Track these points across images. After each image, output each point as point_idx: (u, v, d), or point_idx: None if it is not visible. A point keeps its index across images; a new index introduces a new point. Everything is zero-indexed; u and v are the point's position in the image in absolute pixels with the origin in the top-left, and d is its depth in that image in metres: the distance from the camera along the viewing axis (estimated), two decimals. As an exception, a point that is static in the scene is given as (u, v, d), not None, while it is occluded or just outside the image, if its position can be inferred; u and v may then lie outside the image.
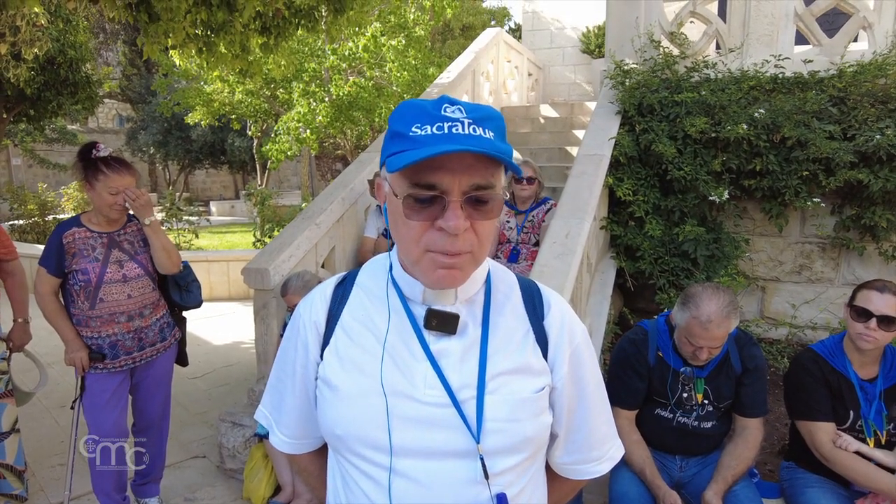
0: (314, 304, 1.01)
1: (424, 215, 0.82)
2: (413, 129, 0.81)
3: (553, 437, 1.00)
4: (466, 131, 0.79)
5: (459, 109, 0.82)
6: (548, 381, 0.95)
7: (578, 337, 0.99)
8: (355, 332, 0.96)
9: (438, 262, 0.84)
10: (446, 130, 0.79)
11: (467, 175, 0.81)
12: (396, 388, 0.90)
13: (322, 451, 1.09)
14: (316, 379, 0.98)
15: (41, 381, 2.97)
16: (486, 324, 0.94)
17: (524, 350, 0.94)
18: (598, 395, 1.02)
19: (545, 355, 0.96)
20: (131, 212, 2.70)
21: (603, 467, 1.04)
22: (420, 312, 0.93)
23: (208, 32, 3.85)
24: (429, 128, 0.80)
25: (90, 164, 2.44)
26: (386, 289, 0.97)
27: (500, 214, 0.87)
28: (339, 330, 0.97)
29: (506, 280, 1.01)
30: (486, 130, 0.81)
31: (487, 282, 0.98)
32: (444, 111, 0.81)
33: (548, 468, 1.05)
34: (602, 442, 1.03)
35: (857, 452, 2.06)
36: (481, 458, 0.87)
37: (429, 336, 0.92)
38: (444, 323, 0.91)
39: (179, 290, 2.80)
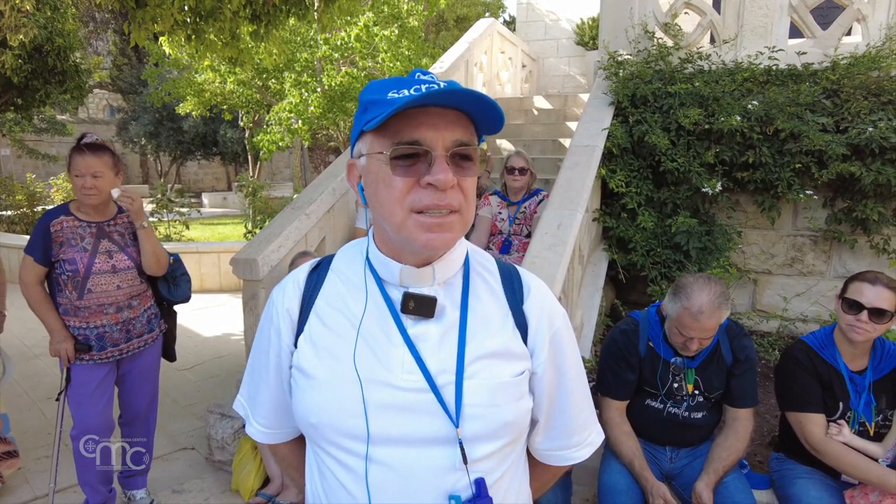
0: (287, 291, 0.99)
1: (410, 172, 0.81)
2: (390, 94, 0.81)
3: (533, 423, 0.99)
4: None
5: (431, 77, 0.83)
6: (527, 365, 0.93)
7: (559, 321, 0.97)
8: (330, 318, 0.93)
9: (426, 224, 0.82)
10: (423, 90, 0.80)
11: (450, 130, 0.81)
12: (373, 374, 0.87)
13: (302, 440, 1.07)
14: (290, 368, 0.96)
15: (6, 375, 2.92)
16: (465, 307, 0.92)
17: (503, 334, 0.92)
18: (578, 381, 1.00)
19: (525, 339, 0.94)
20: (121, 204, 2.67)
21: (583, 453, 1.03)
22: (397, 296, 0.90)
23: (197, 19, 3.78)
24: (405, 91, 0.80)
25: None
26: (363, 273, 0.94)
27: (480, 172, 0.86)
28: (313, 317, 0.95)
29: (484, 264, 0.99)
30: None
31: (466, 265, 0.96)
32: (418, 77, 0.83)
33: (529, 456, 1.04)
34: (583, 427, 1.02)
35: (850, 446, 2.05)
36: (460, 443, 0.85)
37: (406, 320, 0.90)
38: (421, 306, 0.89)
39: (167, 284, 2.76)
